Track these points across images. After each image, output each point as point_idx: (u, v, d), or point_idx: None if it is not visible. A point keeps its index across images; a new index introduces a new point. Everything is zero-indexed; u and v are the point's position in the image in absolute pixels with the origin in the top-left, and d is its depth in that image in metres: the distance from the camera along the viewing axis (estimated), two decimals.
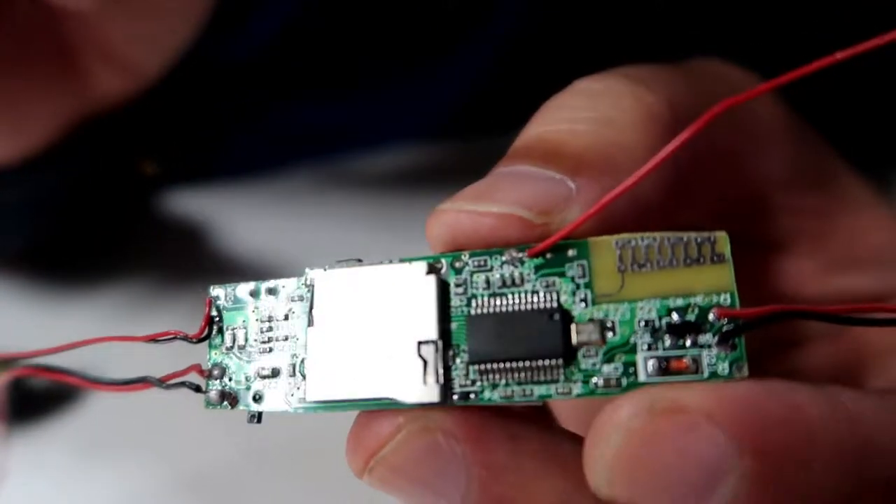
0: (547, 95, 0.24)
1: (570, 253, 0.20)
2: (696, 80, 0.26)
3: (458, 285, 0.21)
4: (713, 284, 0.19)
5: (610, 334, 0.20)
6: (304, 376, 0.21)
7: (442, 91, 0.54)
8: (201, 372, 0.22)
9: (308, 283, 0.22)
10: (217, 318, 0.23)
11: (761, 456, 0.17)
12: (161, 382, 0.22)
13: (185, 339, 0.22)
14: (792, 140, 0.28)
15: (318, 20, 0.50)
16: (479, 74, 0.54)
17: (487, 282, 0.21)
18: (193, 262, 0.52)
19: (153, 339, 0.22)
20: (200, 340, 0.23)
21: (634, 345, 0.19)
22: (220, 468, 0.41)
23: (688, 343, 0.19)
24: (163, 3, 0.40)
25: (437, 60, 0.53)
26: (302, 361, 0.22)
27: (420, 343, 0.20)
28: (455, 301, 0.21)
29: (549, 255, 0.20)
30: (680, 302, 0.19)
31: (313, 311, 0.22)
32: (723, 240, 0.20)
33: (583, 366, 0.20)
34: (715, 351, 0.19)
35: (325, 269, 0.22)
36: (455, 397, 0.20)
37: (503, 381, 0.20)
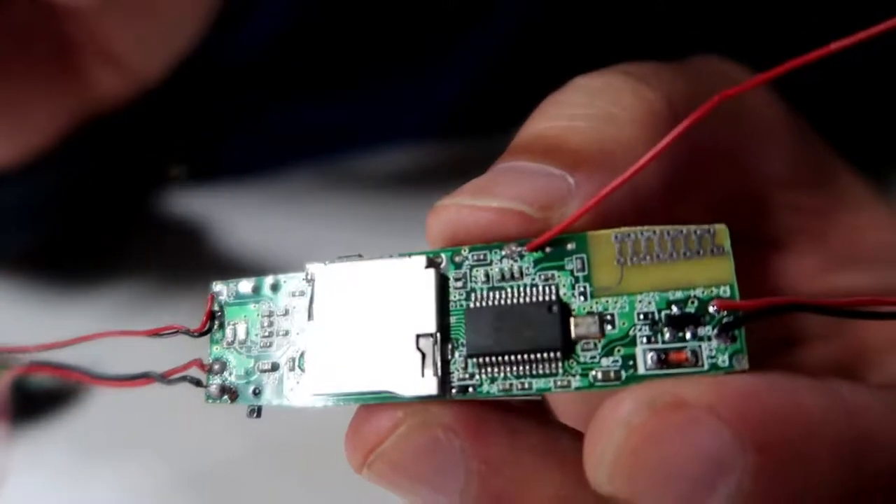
0: (547, 95, 0.24)
1: (570, 246, 0.20)
2: (695, 77, 0.26)
3: (457, 279, 0.21)
4: (713, 277, 0.19)
5: (609, 327, 0.20)
6: (303, 370, 0.21)
7: (442, 91, 0.54)
8: (202, 366, 0.22)
9: (308, 277, 0.22)
10: (218, 313, 0.23)
11: (764, 450, 0.17)
12: (163, 377, 0.22)
13: (187, 333, 0.23)
14: (791, 138, 0.28)
15: (318, 20, 0.50)
16: (479, 74, 0.54)
17: (487, 276, 0.21)
18: (194, 262, 0.52)
19: (155, 334, 0.22)
20: (202, 334, 0.23)
21: (633, 337, 0.19)
22: (220, 466, 0.41)
23: (687, 335, 0.19)
24: (164, 6, 0.40)
25: (437, 60, 0.53)
26: (302, 355, 0.22)
27: (419, 336, 0.20)
28: (454, 295, 0.21)
29: (548, 250, 0.21)
30: (679, 294, 0.19)
31: (313, 305, 0.22)
32: (722, 232, 0.20)
33: (582, 359, 0.20)
34: (715, 343, 0.19)
35: (325, 264, 0.22)
36: (453, 391, 0.20)
37: (501, 375, 0.20)
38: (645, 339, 0.19)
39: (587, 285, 0.20)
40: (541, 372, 0.20)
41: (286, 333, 0.22)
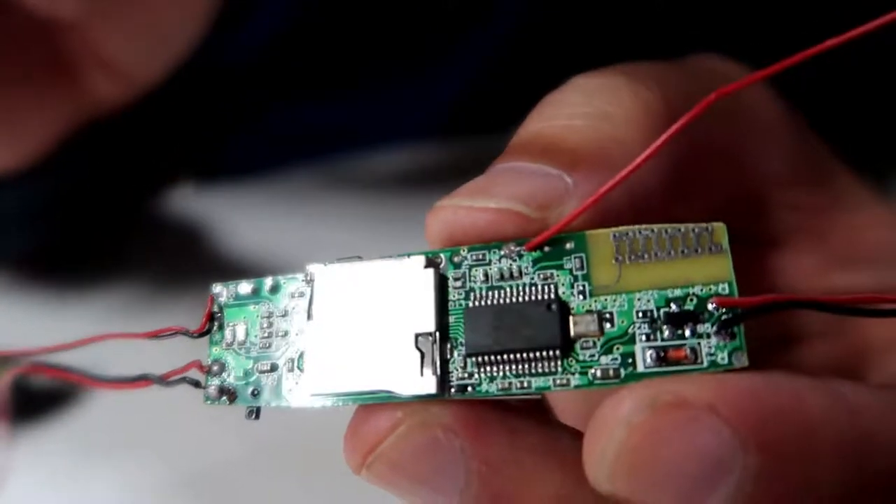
0: (546, 95, 0.24)
1: (568, 246, 0.20)
2: (693, 77, 0.26)
3: (456, 279, 0.21)
4: (711, 274, 0.19)
5: (608, 325, 0.20)
6: (302, 370, 0.21)
7: (442, 91, 0.54)
8: (201, 368, 0.22)
9: (308, 278, 0.22)
10: (218, 314, 0.23)
11: (764, 449, 0.17)
12: (161, 379, 0.22)
13: (186, 334, 0.23)
14: (790, 137, 0.28)
15: (318, 20, 0.50)
16: (478, 74, 0.54)
17: (486, 275, 0.21)
18: (194, 263, 0.52)
19: (154, 336, 0.22)
20: (201, 335, 0.23)
21: (633, 335, 0.19)
22: (219, 467, 0.41)
23: (686, 333, 0.19)
24: (160, 12, 0.40)
25: (437, 60, 0.53)
26: (300, 356, 0.22)
27: (417, 335, 0.20)
28: (453, 295, 0.21)
29: (547, 249, 0.21)
30: (678, 292, 0.19)
31: (312, 305, 0.22)
32: (720, 230, 0.20)
33: (581, 357, 0.20)
34: (714, 340, 0.19)
35: (324, 265, 0.22)
36: (452, 390, 0.20)
37: (501, 374, 0.20)
38: (644, 337, 0.19)
39: (586, 284, 0.20)
40: (540, 370, 0.20)
41: (285, 334, 0.22)
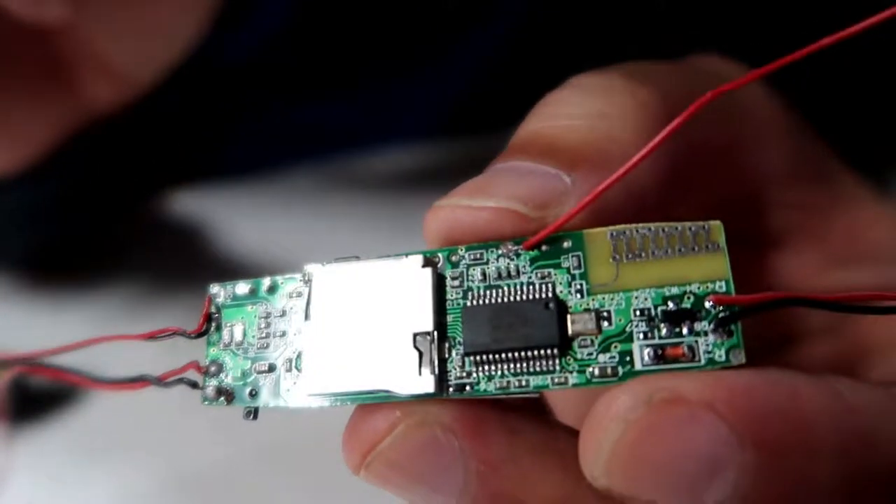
0: (546, 93, 0.24)
1: (566, 244, 0.21)
2: (692, 76, 0.26)
3: (453, 278, 0.21)
4: (708, 272, 0.19)
5: (605, 324, 0.20)
6: (300, 370, 0.21)
7: (442, 91, 0.54)
8: (199, 369, 0.22)
9: (306, 278, 0.22)
10: (216, 315, 0.23)
11: (761, 446, 0.17)
12: (159, 380, 0.22)
13: (183, 334, 0.23)
14: (789, 136, 0.28)
15: (318, 20, 0.50)
16: (478, 74, 0.54)
17: (483, 274, 0.21)
18: (193, 263, 0.52)
19: (151, 337, 0.22)
20: (199, 336, 0.23)
21: (630, 334, 0.19)
22: (218, 468, 0.41)
23: (684, 331, 0.19)
24: (156, 15, 0.40)
25: (437, 60, 0.53)
26: (298, 356, 0.22)
27: (416, 335, 0.20)
28: (451, 294, 0.21)
29: (544, 248, 0.21)
30: (675, 290, 0.19)
31: (310, 305, 0.22)
32: (717, 228, 0.20)
33: (579, 356, 0.20)
34: (711, 338, 0.19)
35: (322, 265, 0.22)
36: (451, 389, 0.20)
37: (499, 373, 0.20)
38: (642, 335, 0.19)
39: (583, 282, 0.20)
40: (538, 369, 0.20)
41: (283, 334, 0.22)
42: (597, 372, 0.19)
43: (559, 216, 0.20)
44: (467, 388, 0.20)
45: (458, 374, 0.20)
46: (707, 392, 0.17)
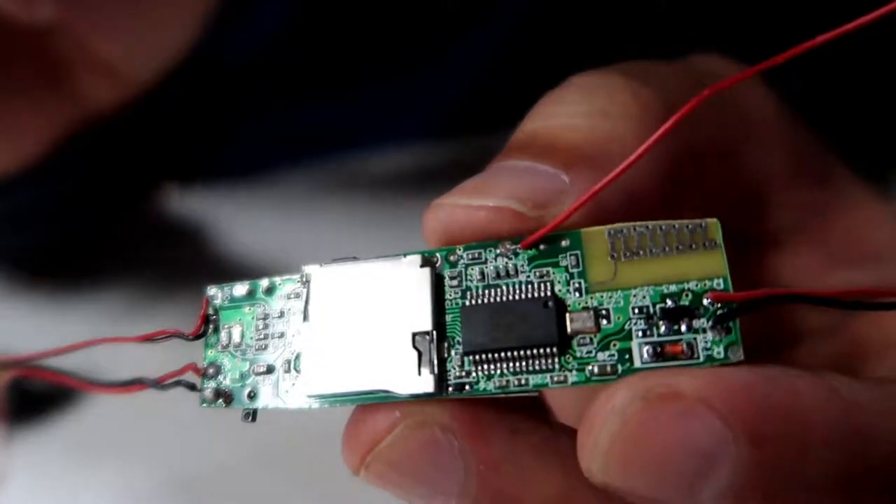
0: (546, 93, 0.24)
1: (564, 243, 0.21)
2: (692, 76, 0.26)
3: (452, 278, 0.21)
4: (706, 270, 0.19)
5: (604, 322, 0.20)
6: (299, 371, 0.21)
7: (442, 91, 0.54)
8: (197, 371, 0.22)
9: (304, 279, 0.22)
10: (213, 317, 0.23)
11: (757, 442, 0.17)
12: (157, 383, 0.22)
13: (181, 336, 0.23)
14: (789, 136, 0.28)
15: (317, 20, 0.50)
16: (478, 74, 0.54)
17: (482, 274, 0.21)
18: (192, 263, 0.52)
19: (149, 339, 0.22)
20: (196, 338, 0.23)
21: (629, 331, 0.19)
22: (217, 469, 0.42)
23: (683, 328, 0.19)
24: (153, 13, 0.40)
25: (437, 60, 0.53)
26: (297, 357, 0.22)
27: (415, 334, 0.20)
28: (450, 294, 0.21)
29: (542, 247, 0.21)
30: (673, 288, 0.20)
31: (309, 306, 0.22)
32: (714, 226, 0.20)
33: (578, 354, 0.20)
34: (710, 335, 0.19)
35: (320, 266, 0.22)
36: (450, 389, 0.20)
37: (498, 372, 0.20)
38: (640, 333, 0.19)
39: (582, 281, 0.20)
40: (537, 368, 0.20)
41: (282, 336, 0.22)
42: (596, 370, 0.19)
43: (558, 215, 0.20)
44: (467, 387, 0.20)
45: (458, 374, 0.20)
46: (703, 387, 0.18)
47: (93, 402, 0.45)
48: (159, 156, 0.54)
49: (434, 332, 0.20)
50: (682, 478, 0.17)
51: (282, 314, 0.22)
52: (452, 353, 0.20)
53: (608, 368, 0.19)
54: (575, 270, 0.20)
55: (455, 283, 0.21)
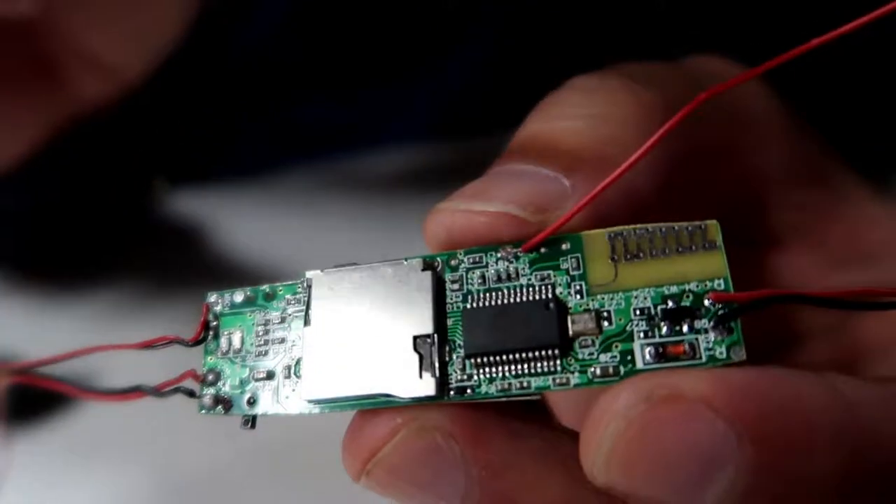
0: (547, 95, 0.24)
1: (564, 246, 0.21)
2: (692, 77, 0.26)
3: (453, 282, 0.21)
4: (706, 271, 0.19)
5: (606, 323, 0.20)
6: (299, 377, 0.21)
7: (442, 91, 0.54)
8: (196, 377, 0.22)
9: (305, 284, 0.22)
10: (213, 323, 0.23)
11: (760, 443, 0.17)
12: (156, 391, 0.22)
13: (181, 342, 0.23)
14: (789, 137, 0.28)
15: (318, 21, 0.50)
16: (479, 74, 0.54)
17: (483, 278, 0.21)
18: (192, 264, 0.52)
19: (148, 346, 0.22)
20: (196, 343, 0.23)
21: (631, 333, 0.19)
22: (215, 472, 0.41)
23: (684, 329, 0.19)
24: (142, 6, 0.39)
25: (438, 60, 0.53)
26: (298, 362, 0.22)
27: (416, 338, 0.20)
28: (451, 297, 0.21)
29: (543, 250, 0.21)
30: (674, 289, 0.20)
31: (310, 311, 0.22)
32: (714, 227, 0.20)
33: (580, 356, 0.20)
34: (712, 335, 0.19)
35: (321, 271, 0.22)
36: (451, 392, 0.20)
37: (500, 375, 0.20)
38: (642, 334, 0.19)
39: (583, 283, 0.20)
40: (539, 370, 0.20)
41: (282, 341, 0.22)
42: (598, 372, 0.19)
43: (558, 219, 0.20)
44: (468, 390, 0.20)
45: (459, 377, 0.20)
46: (706, 389, 0.17)
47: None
48: (158, 155, 0.54)
49: (435, 336, 0.20)
50: (686, 480, 0.17)
51: (283, 320, 0.22)
52: (454, 356, 0.20)
53: (610, 370, 0.19)
54: (576, 273, 0.20)
55: (456, 286, 0.21)
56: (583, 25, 0.50)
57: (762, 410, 0.17)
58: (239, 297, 0.23)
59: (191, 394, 0.22)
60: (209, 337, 0.23)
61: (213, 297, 0.23)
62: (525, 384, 0.20)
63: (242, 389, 0.22)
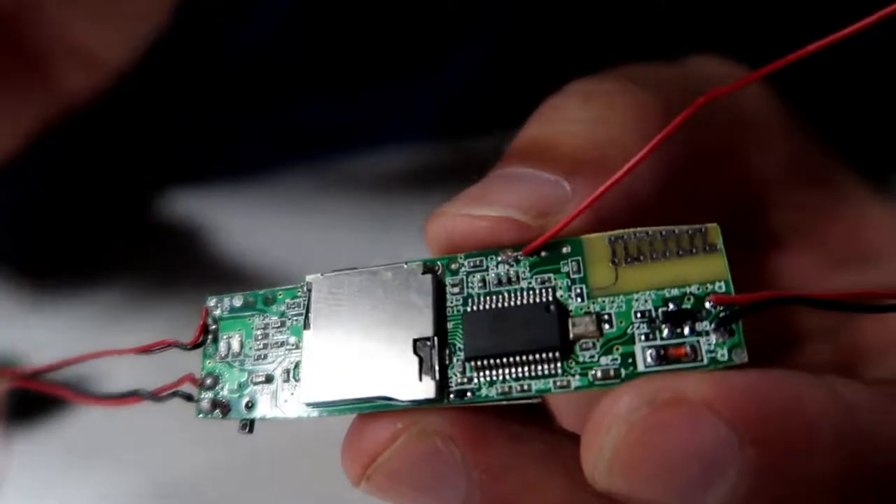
0: (546, 96, 0.24)
1: (565, 250, 0.21)
2: (692, 79, 0.26)
3: (453, 286, 0.21)
4: (707, 273, 0.19)
5: (607, 326, 0.20)
6: (298, 380, 0.21)
7: (442, 91, 0.54)
8: (194, 381, 0.22)
9: (305, 288, 0.22)
10: (213, 327, 0.23)
11: (761, 446, 0.17)
12: (153, 395, 0.22)
13: (179, 346, 0.22)
14: (789, 138, 0.28)
15: (318, 21, 0.50)
16: (479, 74, 0.54)
17: (483, 281, 0.21)
18: (191, 264, 0.52)
19: (146, 351, 0.22)
20: (195, 347, 0.23)
21: (632, 335, 0.19)
22: (213, 475, 0.41)
23: (685, 331, 0.19)
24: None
25: (438, 60, 0.53)
26: (297, 366, 0.22)
27: (416, 341, 0.20)
28: (451, 301, 0.21)
29: (544, 254, 0.21)
30: (675, 292, 0.20)
31: (310, 314, 0.22)
32: (714, 230, 0.20)
33: (581, 359, 0.20)
34: (713, 337, 0.19)
35: (321, 275, 0.22)
36: (451, 395, 0.20)
37: (500, 378, 0.20)
38: (643, 337, 0.19)
39: (583, 286, 0.20)
40: (540, 373, 0.20)
41: (281, 345, 0.22)
42: (599, 374, 0.19)
43: (559, 223, 0.20)
44: (468, 393, 0.20)
45: (459, 380, 0.20)
46: (708, 392, 0.17)
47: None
48: (157, 155, 0.54)
49: (435, 338, 0.20)
50: (687, 483, 0.17)
51: (282, 324, 0.22)
52: (454, 359, 0.20)
53: (611, 372, 0.19)
54: (576, 276, 0.20)
55: (456, 290, 0.21)
56: (583, 25, 0.50)
57: (763, 413, 0.17)
58: (238, 301, 0.23)
59: (189, 398, 0.22)
60: (208, 341, 0.23)
61: (212, 301, 0.23)
62: (525, 387, 0.20)
63: (241, 393, 0.22)
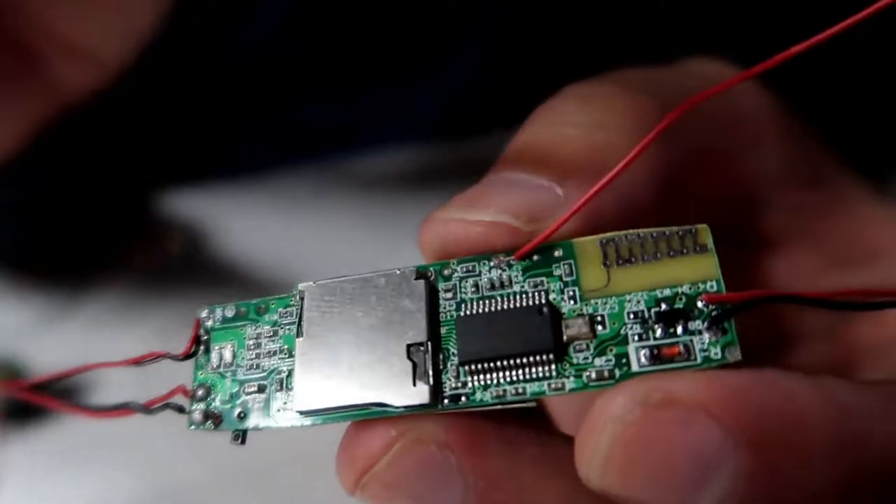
0: (546, 96, 0.24)
1: (557, 253, 0.21)
2: (689, 82, 0.26)
3: (446, 291, 0.21)
4: (698, 274, 0.20)
5: (600, 328, 0.20)
6: (291, 389, 0.21)
7: (442, 91, 0.54)
8: (186, 392, 0.22)
9: (298, 296, 0.22)
10: (204, 338, 0.23)
11: (755, 447, 0.17)
12: (144, 408, 0.22)
13: (171, 357, 0.22)
14: (786, 137, 0.28)
15: (317, 20, 0.50)
16: (478, 75, 0.54)
17: (476, 286, 0.21)
18: (189, 264, 0.52)
19: (137, 363, 0.22)
20: (187, 358, 0.23)
21: (625, 336, 0.19)
22: (207, 482, 0.41)
23: (678, 330, 0.19)
24: None
25: (437, 60, 0.53)
26: (289, 375, 0.22)
27: (409, 346, 0.20)
28: (444, 307, 0.21)
29: (536, 258, 0.21)
30: (667, 292, 0.20)
31: (302, 322, 0.22)
32: (704, 231, 0.20)
33: (575, 360, 0.20)
34: (706, 336, 0.19)
35: (314, 283, 0.22)
36: (446, 401, 0.20)
37: (494, 381, 0.20)
38: (636, 337, 0.19)
39: (576, 289, 0.20)
40: (534, 376, 0.20)
41: (274, 354, 0.22)
42: (593, 375, 0.19)
43: (550, 227, 0.20)
44: (463, 398, 0.20)
45: (454, 385, 0.20)
46: (701, 392, 0.18)
47: None
48: (157, 155, 0.54)
49: (429, 343, 0.20)
50: (682, 484, 0.17)
51: (275, 333, 0.22)
52: (448, 364, 0.20)
53: (605, 373, 0.19)
54: (569, 279, 0.20)
55: (449, 295, 0.21)
56: (583, 25, 0.50)
57: (758, 414, 0.17)
58: (230, 311, 0.23)
59: (181, 409, 0.22)
60: (200, 351, 0.23)
61: (204, 313, 0.23)
62: (520, 390, 0.20)
63: (233, 404, 0.22)
